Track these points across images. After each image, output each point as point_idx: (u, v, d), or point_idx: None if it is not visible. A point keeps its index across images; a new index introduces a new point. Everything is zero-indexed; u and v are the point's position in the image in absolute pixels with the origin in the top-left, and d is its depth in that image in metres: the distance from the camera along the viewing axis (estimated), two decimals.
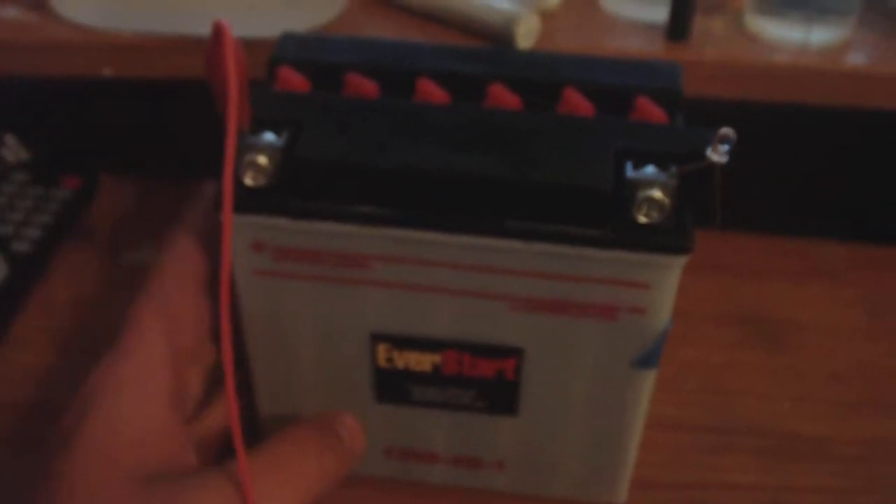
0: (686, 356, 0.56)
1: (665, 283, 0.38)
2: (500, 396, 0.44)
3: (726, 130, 0.36)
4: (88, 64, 0.56)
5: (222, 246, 0.35)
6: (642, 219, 0.37)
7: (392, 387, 0.44)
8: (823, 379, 0.56)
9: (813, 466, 0.51)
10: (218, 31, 0.34)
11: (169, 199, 0.66)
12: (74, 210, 0.64)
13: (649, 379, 0.42)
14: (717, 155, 0.36)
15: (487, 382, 0.43)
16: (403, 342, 0.42)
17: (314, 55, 0.43)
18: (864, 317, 0.59)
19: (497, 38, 0.54)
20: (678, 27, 0.56)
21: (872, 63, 0.57)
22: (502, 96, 0.41)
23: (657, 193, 0.36)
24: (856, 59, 0.57)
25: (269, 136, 0.38)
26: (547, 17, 0.57)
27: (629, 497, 0.48)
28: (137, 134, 0.66)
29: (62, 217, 0.63)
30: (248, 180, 0.38)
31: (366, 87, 0.41)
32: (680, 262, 0.37)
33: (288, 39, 0.44)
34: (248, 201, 0.38)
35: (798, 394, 0.55)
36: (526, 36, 0.54)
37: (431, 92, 0.41)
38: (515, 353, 0.42)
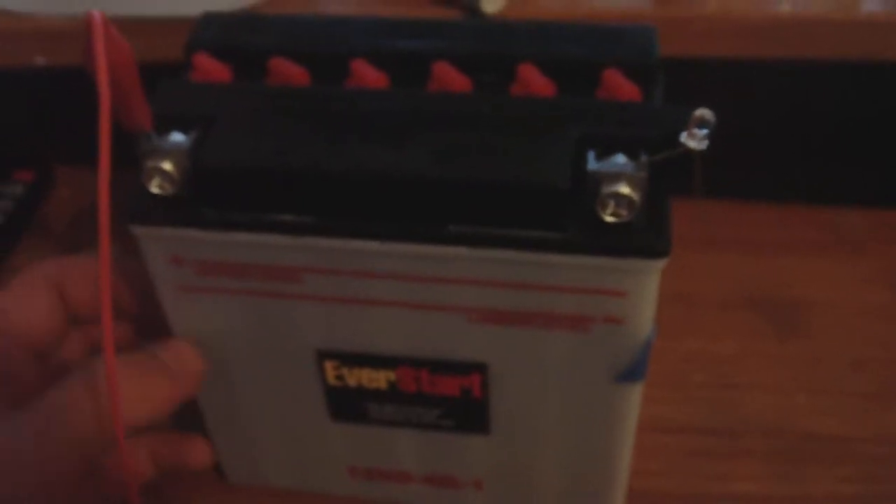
0: (688, 346, 0.51)
1: (642, 289, 0.33)
2: (469, 415, 0.39)
3: (702, 112, 0.30)
4: (18, 52, 0.52)
5: (101, 251, 0.31)
6: (608, 218, 0.31)
7: (346, 405, 0.40)
8: (842, 367, 0.51)
9: (831, 471, 0.46)
10: (90, 25, 0.28)
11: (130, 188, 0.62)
12: (29, 205, 0.61)
13: (635, 392, 0.37)
14: (694, 141, 0.30)
15: (453, 400, 0.39)
16: (353, 359, 0.38)
17: (235, 39, 0.37)
18: (889, 293, 0.54)
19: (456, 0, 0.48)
20: None
21: (890, 10, 0.51)
22: (448, 76, 0.35)
23: (624, 188, 0.31)
24: (870, 7, 0.51)
25: (176, 137, 0.33)
26: None
27: None
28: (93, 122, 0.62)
29: (16, 213, 0.59)
30: (155, 188, 0.33)
31: (293, 73, 0.36)
32: (656, 266, 0.32)
33: (208, 21, 0.39)
34: (157, 212, 0.34)
35: (814, 386, 0.50)
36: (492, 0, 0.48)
37: (367, 75, 0.36)
38: (479, 368, 0.37)
